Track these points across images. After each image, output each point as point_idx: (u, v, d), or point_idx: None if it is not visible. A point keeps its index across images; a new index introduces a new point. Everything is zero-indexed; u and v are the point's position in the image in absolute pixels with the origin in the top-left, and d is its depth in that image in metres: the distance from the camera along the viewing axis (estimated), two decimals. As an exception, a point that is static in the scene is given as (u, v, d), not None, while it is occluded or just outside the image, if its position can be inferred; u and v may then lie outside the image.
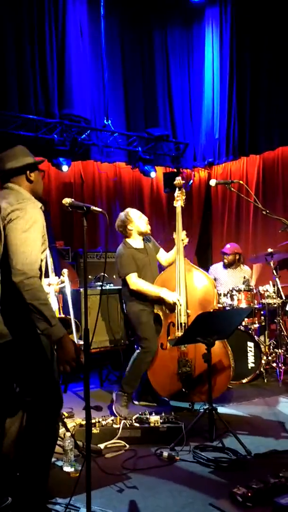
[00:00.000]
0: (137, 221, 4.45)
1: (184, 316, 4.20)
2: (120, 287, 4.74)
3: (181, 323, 4.19)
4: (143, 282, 4.29)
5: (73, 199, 2.41)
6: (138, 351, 4.33)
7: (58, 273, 4.29)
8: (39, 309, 2.15)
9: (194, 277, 4.35)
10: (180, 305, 4.19)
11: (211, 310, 4.25)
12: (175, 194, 4.60)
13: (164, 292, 4.21)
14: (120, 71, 7.45)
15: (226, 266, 6.26)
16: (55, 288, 3.41)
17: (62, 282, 3.73)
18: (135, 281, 4.28)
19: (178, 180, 4.62)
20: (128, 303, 4.43)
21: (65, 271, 3.78)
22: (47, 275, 3.34)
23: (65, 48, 6.74)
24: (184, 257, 4.40)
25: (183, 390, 4.14)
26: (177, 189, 4.60)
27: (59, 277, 3.85)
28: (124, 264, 4.35)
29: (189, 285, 4.29)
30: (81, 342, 3.87)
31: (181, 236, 4.44)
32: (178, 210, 4.55)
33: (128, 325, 4.61)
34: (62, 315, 3.81)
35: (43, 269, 2.49)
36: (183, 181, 4.68)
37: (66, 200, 2.40)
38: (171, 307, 4.25)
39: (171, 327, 4.25)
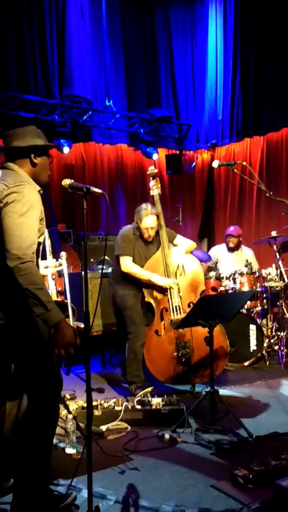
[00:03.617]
0: (143, 229, 4.32)
1: (177, 298, 4.20)
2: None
3: (175, 306, 4.19)
4: (134, 266, 4.26)
5: (72, 180, 2.36)
6: (127, 341, 4.30)
7: (59, 256, 4.26)
8: (35, 294, 2.12)
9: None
10: (177, 285, 4.19)
11: (202, 292, 4.34)
12: (150, 184, 4.55)
13: (155, 277, 4.18)
14: (122, 51, 7.32)
15: (231, 249, 6.21)
16: (52, 271, 3.38)
17: (60, 265, 3.69)
18: (127, 264, 4.25)
19: (152, 169, 4.58)
20: (115, 285, 4.41)
21: (63, 254, 3.74)
22: (44, 258, 3.30)
23: (65, 27, 6.62)
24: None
25: (183, 371, 4.14)
26: (151, 178, 4.55)
27: (58, 260, 3.81)
28: (122, 244, 4.32)
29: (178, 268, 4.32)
30: (82, 325, 3.86)
31: (163, 223, 4.39)
32: (156, 199, 4.50)
33: (115, 311, 4.50)
34: (59, 299, 3.78)
35: (40, 253, 2.45)
36: (156, 170, 4.62)
37: (66, 182, 2.35)
38: (162, 292, 4.23)
39: (164, 313, 4.24)
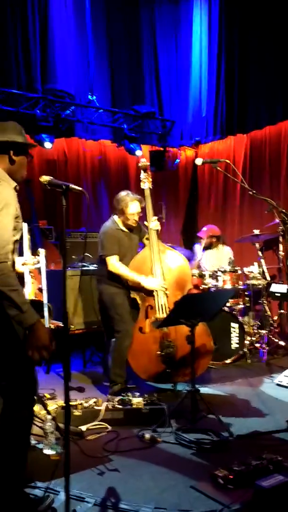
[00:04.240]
0: (129, 216, 4.26)
1: (163, 298, 4.15)
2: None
3: (161, 305, 4.15)
4: (123, 267, 4.20)
5: (51, 177, 2.30)
6: (114, 339, 4.26)
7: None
8: (9, 296, 2.07)
9: (169, 258, 4.32)
10: (165, 289, 4.14)
11: (189, 290, 4.29)
12: (141, 177, 4.48)
13: (146, 282, 4.12)
14: (106, 46, 7.24)
15: (204, 248, 6.25)
16: (30, 268, 3.29)
17: (38, 262, 3.59)
18: (114, 263, 4.18)
19: (143, 162, 4.51)
20: (102, 284, 4.34)
21: (41, 250, 3.65)
22: (22, 254, 3.23)
23: (48, 20, 6.52)
24: (162, 239, 4.34)
25: (167, 370, 4.11)
26: (142, 171, 4.48)
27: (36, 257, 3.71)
28: (107, 244, 4.24)
29: (165, 267, 4.26)
30: (61, 324, 3.79)
31: (152, 220, 4.32)
32: (147, 193, 4.43)
33: (101, 308, 4.46)
34: (36, 298, 3.69)
35: (17, 250, 2.39)
36: (148, 163, 4.55)
37: (44, 178, 2.29)
38: (149, 291, 4.18)
39: (149, 310, 4.19)
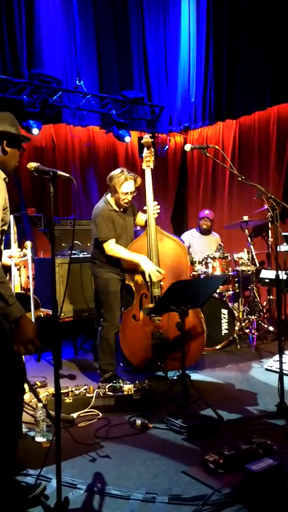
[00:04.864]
0: (121, 195, 4.01)
1: (157, 289, 4.06)
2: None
3: (154, 296, 4.07)
4: (122, 249, 4.04)
5: (38, 164, 2.26)
6: (100, 327, 4.18)
7: (31, 240, 4.10)
8: None
9: (167, 245, 4.17)
10: (160, 275, 4.04)
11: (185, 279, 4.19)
12: (143, 155, 4.20)
13: (144, 260, 4.00)
14: (93, 30, 7.12)
15: (204, 232, 6.21)
16: (16, 261, 3.26)
17: (25, 255, 3.54)
18: (113, 248, 4.01)
19: (146, 138, 4.19)
20: (97, 268, 4.16)
21: (28, 243, 3.60)
22: (8, 247, 3.19)
23: (34, 3, 6.39)
24: (156, 224, 4.16)
25: (158, 363, 4.11)
26: (145, 148, 4.19)
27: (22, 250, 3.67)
28: (103, 227, 4.00)
29: (162, 254, 4.13)
30: (51, 312, 3.77)
31: (152, 204, 4.14)
32: (148, 173, 4.17)
33: (95, 291, 4.33)
34: (22, 291, 3.66)
35: (3, 242, 2.37)
36: (152, 139, 4.23)
37: (31, 165, 2.25)
38: (144, 277, 4.07)
39: (143, 298, 4.15)
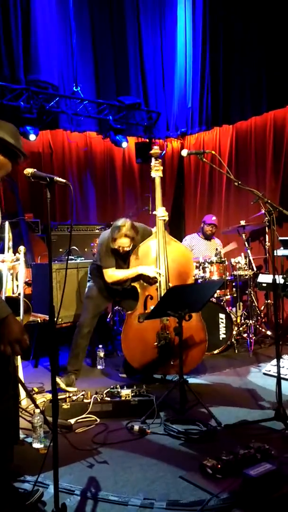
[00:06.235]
0: (116, 246, 4.11)
1: (164, 290, 4.12)
2: (91, 260, 4.63)
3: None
4: (119, 272, 4.20)
5: (35, 170, 2.26)
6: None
7: (27, 246, 4.11)
8: None
9: (174, 250, 4.28)
10: (162, 275, 4.13)
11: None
12: (152, 164, 4.36)
13: (141, 269, 4.13)
14: (90, 36, 7.16)
15: (207, 237, 6.21)
16: (8, 265, 3.26)
17: (18, 259, 3.54)
18: (111, 275, 4.20)
19: (155, 149, 4.40)
20: (94, 276, 4.41)
21: (21, 248, 3.59)
22: (2, 251, 3.18)
23: (31, 9, 6.42)
24: (165, 230, 4.30)
25: (160, 361, 4.13)
26: (153, 159, 4.36)
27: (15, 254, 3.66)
28: (104, 257, 4.21)
29: (170, 258, 4.22)
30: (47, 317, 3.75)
31: (161, 209, 4.28)
32: (157, 182, 4.35)
33: None
34: (14, 295, 3.63)
35: None
36: (160, 151, 4.45)
37: (28, 170, 2.25)
38: (150, 281, 4.18)
39: (148, 300, 4.19)
